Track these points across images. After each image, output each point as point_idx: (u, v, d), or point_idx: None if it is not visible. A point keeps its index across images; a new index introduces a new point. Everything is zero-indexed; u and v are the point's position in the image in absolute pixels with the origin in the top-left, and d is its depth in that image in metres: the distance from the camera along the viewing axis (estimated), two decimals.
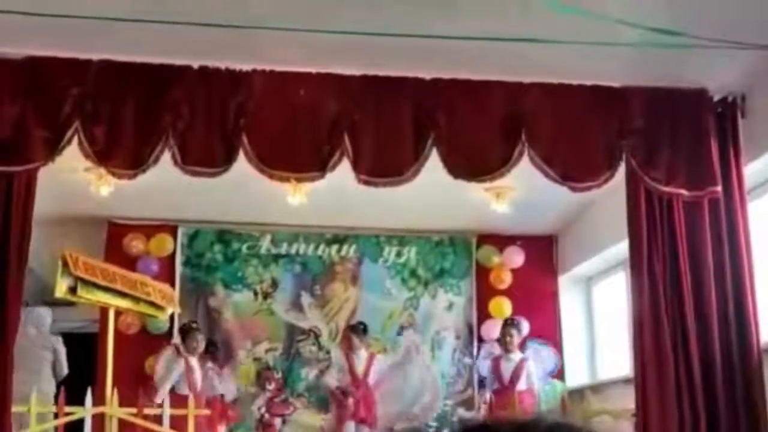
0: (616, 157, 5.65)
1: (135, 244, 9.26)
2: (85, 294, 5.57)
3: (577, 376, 9.49)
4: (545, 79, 5.60)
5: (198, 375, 7.79)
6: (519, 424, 0.81)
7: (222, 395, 8.08)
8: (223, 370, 8.42)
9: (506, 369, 8.00)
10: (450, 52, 5.26)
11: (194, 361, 7.87)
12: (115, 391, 5.66)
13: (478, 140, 5.55)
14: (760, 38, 5.05)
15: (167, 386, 7.52)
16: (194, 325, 8.18)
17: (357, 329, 8.30)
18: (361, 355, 8.12)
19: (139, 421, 5.84)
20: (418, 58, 5.36)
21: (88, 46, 5.28)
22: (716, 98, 5.87)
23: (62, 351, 7.91)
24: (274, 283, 9.58)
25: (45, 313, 7.93)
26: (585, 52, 5.15)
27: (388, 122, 5.52)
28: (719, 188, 5.63)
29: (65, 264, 5.46)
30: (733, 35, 4.95)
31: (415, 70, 5.49)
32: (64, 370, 7.94)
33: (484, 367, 8.46)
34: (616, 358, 8.85)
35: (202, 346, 8.00)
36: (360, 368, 8.06)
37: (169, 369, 7.71)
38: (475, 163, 5.58)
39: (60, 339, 8.10)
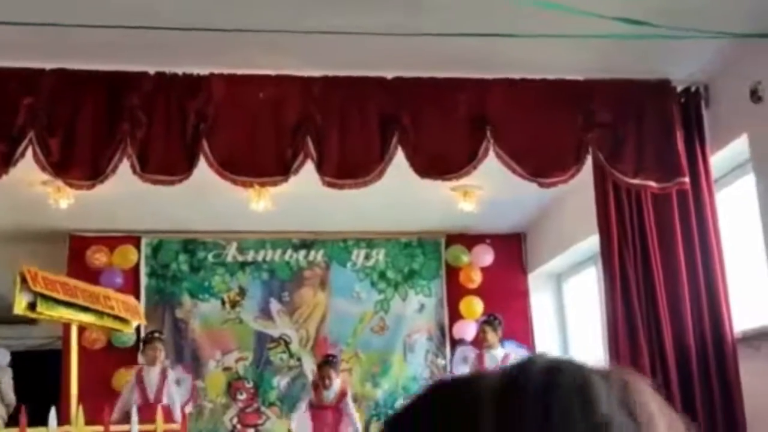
0: (583, 151, 5.60)
1: (98, 257, 9.11)
2: (46, 310, 5.41)
3: None
4: (509, 74, 5.54)
5: (153, 383, 7.60)
6: (506, 375, 0.72)
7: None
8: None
9: (491, 365, 7.89)
10: (412, 50, 5.18)
11: (153, 371, 7.68)
12: (80, 409, 5.49)
13: (443, 138, 5.47)
14: (721, 27, 5.03)
15: (127, 402, 7.35)
16: (156, 335, 8.00)
17: (332, 362, 8.15)
18: (333, 388, 7.99)
19: None
20: (380, 57, 5.28)
21: (40, 55, 5.13)
22: (679, 89, 5.85)
23: (7, 382, 7.74)
24: (242, 291, 9.46)
25: None
26: (548, 46, 5.09)
27: (352, 123, 5.43)
28: (687, 179, 5.60)
29: (23, 280, 5.29)
30: (695, 25, 4.92)
31: (377, 69, 5.40)
32: (11, 399, 7.78)
33: (459, 371, 8.37)
34: (590, 354, 8.81)
35: (162, 356, 7.82)
36: (331, 397, 7.94)
37: (127, 392, 7.56)
38: (441, 161, 5.51)
39: (7, 370, 7.95)
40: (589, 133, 5.60)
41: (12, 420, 5.73)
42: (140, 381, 7.61)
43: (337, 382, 8.06)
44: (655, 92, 5.74)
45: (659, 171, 5.61)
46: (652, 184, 5.62)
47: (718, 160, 5.89)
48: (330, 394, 7.96)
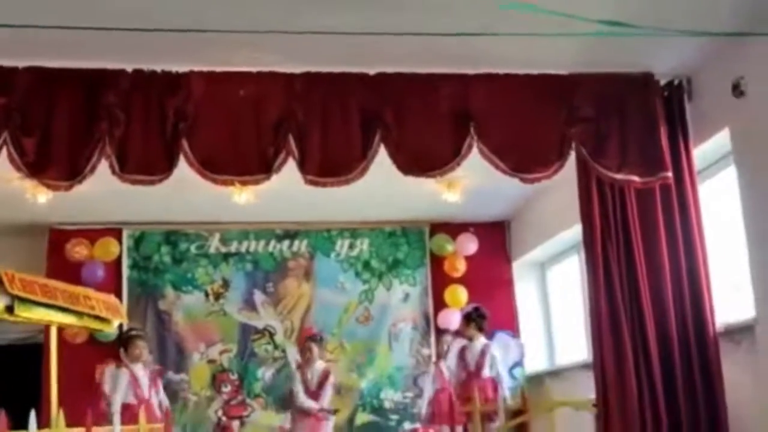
0: (566, 147, 5.57)
1: (78, 250, 9.02)
2: (24, 313, 5.27)
3: (535, 362, 9.47)
4: (492, 70, 5.49)
5: (145, 382, 7.57)
6: None
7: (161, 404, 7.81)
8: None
9: (471, 357, 7.91)
10: (395, 47, 5.12)
11: (139, 369, 7.64)
12: (61, 411, 5.42)
13: (426, 135, 5.42)
14: (704, 24, 5.00)
15: (119, 400, 7.30)
16: (135, 332, 7.95)
17: (315, 339, 8.15)
18: (316, 369, 7.97)
19: None
20: (362, 53, 5.22)
21: (13, 53, 5.03)
22: (663, 82, 5.82)
23: None
24: (226, 283, 9.41)
25: None
26: (531, 42, 5.04)
27: (334, 120, 5.37)
28: (670, 174, 5.59)
29: (0, 282, 5.19)
30: (678, 22, 4.89)
31: (359, 66, 5.34)
32: None
33: (453, 362, 8.39)
34: (574, 343, 8.83)
35: (145, 353, 7.78)
36: (314, 382, 7.92)
37: (116, 383, 7.49)
38: (424, 158, 5.46)
39: None
40: (572, 127, 5.56)
41: None
42: (134, 380, 7.54)
43: (320, 363, 8.03)
44: (638, 86, 5.72)
45: (643, 166, 5.59)
46: (636, 179, 5.60)
47: (701, 153, 5.87)
48: (314, 375, 7.92)
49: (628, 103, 5.66)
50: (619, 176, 5.60)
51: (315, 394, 7.92)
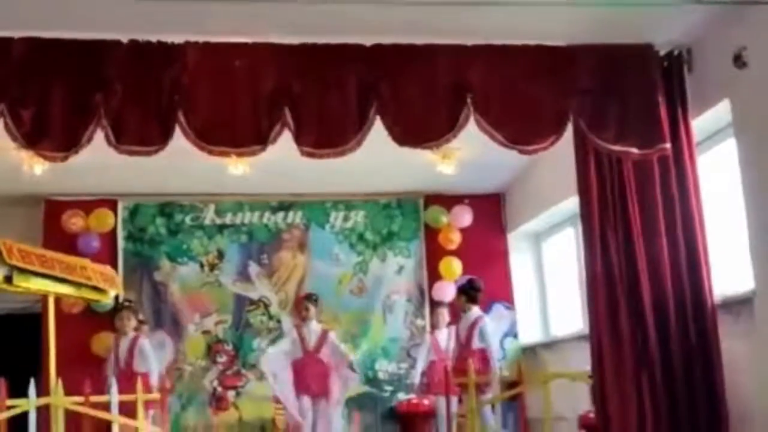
0: (564, 118, 5.54)
1: (74, 221, 9.01)
2: (22, 282, 5.34)
3: (529, 334, 9.51)
4: (489, 41, 5.45)
5: (124, 349, 7.62)
6: None
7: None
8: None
9: (462, 329, 7.94)
10: (391, 17, 5.07)
11: (125, 338, 7.66)
12: (60, 380, 5.46)
13: (422, 107, 5.39)
14: None
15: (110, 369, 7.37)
16: (124, 305, 7.98)
17: (311, 298, 8.16)
18: (313, 329, 7.97)
19: (86, 410, 5.66)
20: (358, 24, 5.17)
21: (8, 23, 4.98)
22: (662, 53, 5.78)
23: None
24: (221, 254, 9.42)
25: None
26: (529, 12, 5.01)
27: (330, 92, 5.33)
28: (668, 146, 5.57)
29: None
30: None
31: (355, 37, 5.30)
32: None
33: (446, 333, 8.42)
34: (568, 315, 8.87)
35: (132, 324, 7.81)
36: (312, 342, 7.92)
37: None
38: (421, 130, 5.43)
39: None
40: (570, 99, 5.54)
41: None
42: (115, 349, 7.59)
43: (316, 324, 8.04)
44: (637, 57, 5.68)
45: (641, 137, 5.57)
46: (634, 150, 5.58)
47: (699, 124, 5.85)
48: (311, 335, 7.94)
49: (627, 75, 5.63)
50: (616, 148, 5.58)
51: (314, 355, 7.92)
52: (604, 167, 5.78)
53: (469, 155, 7.74)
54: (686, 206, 5.69)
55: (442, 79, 5.44)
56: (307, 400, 7.76)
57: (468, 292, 7.98)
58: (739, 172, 5.43)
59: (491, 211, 9.83)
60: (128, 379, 7.09)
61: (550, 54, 5.55)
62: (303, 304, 8.17)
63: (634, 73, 5.67)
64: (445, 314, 8.85)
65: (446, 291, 9.29)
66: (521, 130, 5.50)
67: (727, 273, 5.86)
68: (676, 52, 5.79)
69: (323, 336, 7.97)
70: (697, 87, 5.75)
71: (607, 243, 5.71)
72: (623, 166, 5.77)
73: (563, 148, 5.74)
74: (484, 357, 7.73)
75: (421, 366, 8.70)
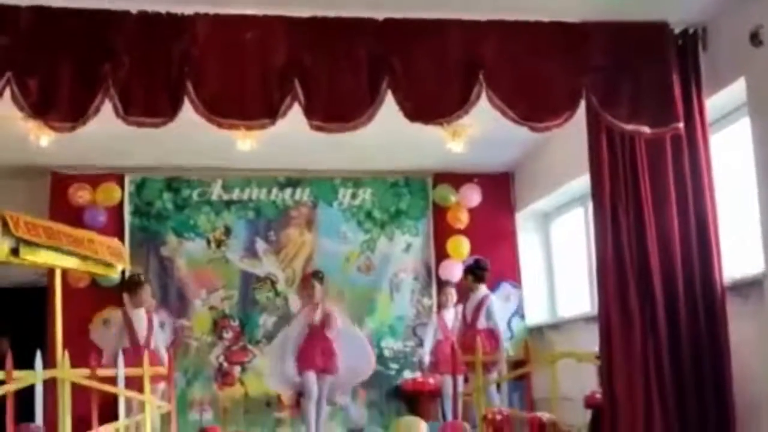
0: (577, 96, 5.48)
1: (81, 195, 8.98)
2: (29, 255, 5.30)
3: (536, 314, 9.48)
4: (502, 16, 5.38)
5: (143, 326, 7.58)
6: None
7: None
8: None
9: (468, 308, 7.92)
10: None
11: (141, 313, 7.65)
12: (66, 353, 5.44)
13: (434, 82, 5.33)
14: None
15: (114, 345, 7.34)
16: (138, 277, 7.96)
17: (317, 276, 8.12)
18: (319, 307, 7.96)
19: (93, 384, 5.64)
20: None
21: None
22: (677, 31, 5.71)
23: None
24: (228, 231, 9.39)
25: None
26: None
27: (341, 66, 5.27)
28: (681, 125, 5.51)
29: (5, 225, 5.17)
30: None
31: (367, 10, 5.23)
32: None
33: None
34: (576, 296, 8.83)
35: (149, 298, 7.80)
36: (317, 319, 7.91)
37: (109, 331, 7.55)
38: (432, 105, 5.37)
39: None
40: (583, 76, 5.47)
41: None
42: (128, 324, 7.55)
43: (322, 300, 8.00)
44: (651, 34, 5.61)
45: (654, 116, 5.51)
46: (646, 129, 5.53)
47: (713, 103, 5.79)
48: (317, 313, 7.92)
49: (641, 52, 5.56)
50: (629, 126, 5.52)
51: (319, 331, 7.90)
52: (616, 146, 5.72)
53: (480, 133, 7.68)
54: (698, 186, 5.64)
55: (454, 55, 5.38)
56: (312, 375, 7.75)
57: (475, 272, 7.98)
58: (753, 152, 5.37)
59: (500, 190, 9.78)
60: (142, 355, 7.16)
61: (563, 30, 5.49)
62: (309, 281, 8.14)
63: (648, 51, 5.60)
64: (452, 293, 8.83)
65: (453, 270, 9.25)
66: (534, 106, 5.44)
67: (738, 255, 5.81)
68: (691, 30, 5.72)
69: (329, 314, 7.95)
70: (711, 66, 5.68)
71: (618, 223, 5.66)
72: (635, 145, 5.71)
73: (574, 127, 5.69)
74: (490, 336, 7.72)
75: (428, 345, 8.69)
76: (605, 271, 5.66)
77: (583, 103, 5.54)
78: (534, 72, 5.43)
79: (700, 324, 5.52)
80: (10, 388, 5.40)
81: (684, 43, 5.72)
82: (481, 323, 7.81)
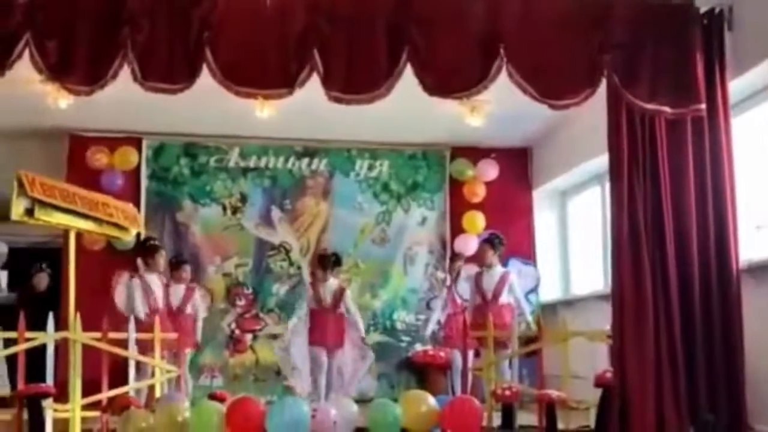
0: (598, 74, 5.42)
1: (98, 158, 9.00)
2: (43, 216, 5.30)
3: (550, 291, 9.46)
4: None
5: (159, 293, 7.62)
6: None
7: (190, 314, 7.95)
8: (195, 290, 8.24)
9: (488, 283, 7.89)
10: None
11: (156, 278, 7.69)
12: (78, 316, 5.46)
13: (454, 56, 5.28)
14: None
15: (138, 310, 7.38)
16: (154, 242, 7.98)
17: (325, 261, 8.09)
18: (329, 286, 7.96)
19: (103, 346, 5.67)
20: None
21: None
22: (702, 10, 5.62)
23: None
24: (243, 198, 9.40)
25: None
26: None
27: (360, 37, 5.24)
28: (703, 106, 5.44)
29: (21, 185, 5.17)
30: None
31: None
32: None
33: (465, 289, 8.35)
34: (589, 274, 8.80)
35: (162, 263, 7.83)
36: (328, 298, 7.91)
37: (129, 295, 7.55)
38: (451, 79, 5.34)
39: None
40: (604, 54, 5.41)
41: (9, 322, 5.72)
42: (146, 290, 7.58)
43: (333, 281, 8.03)
44: (676, 13, 5.54)
45: (675, 96, 5.44)
46: (667, 109, 5.47)
47: (737, 86, 5.71)
48: (327, 293, 7.94)
49: (665, 31, 5.48)
50: (650, 106, 5.46)
51: (330, 309, 7.93)
52: (636, 125, 5.64)
53: (498, 108, 7.65)
54: (717, 168, 5.57)
55: (474, 28, 5.33)
56: (321, 351, 7.79)
57: (492, 242, 7.98)
58: None
59: (517, 165, 9.72)
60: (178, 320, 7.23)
61: (586, 7, 5.43)
62: (318, 264, 8.12)
63: (672, 30, 5.52)
64: (463, 267, 8.78)
65: (468, 244, 9.23)
66: (554, 83, 5.39)
67: (755, 238, 5.76)
68: (717, 10, 5.63)
69: (340, 292, 7.97)
70: (736, 46, 5.59)
71: (635, 202, 5.60)
72: (656, 124, 5.64)
73: (594, 105, 5.63)
74: (511, 312, 7.73)
75: (435, 318, 8.69)
76: (620, 250, 5.62)
77: (604, 82, 5.48)
78: (555, 48, 5.37)
79: (714, 305, 5.48)
80: (21, 347, 5.44)
81: (709, 22, 5.62)
82: (503, 299, 7.81)
